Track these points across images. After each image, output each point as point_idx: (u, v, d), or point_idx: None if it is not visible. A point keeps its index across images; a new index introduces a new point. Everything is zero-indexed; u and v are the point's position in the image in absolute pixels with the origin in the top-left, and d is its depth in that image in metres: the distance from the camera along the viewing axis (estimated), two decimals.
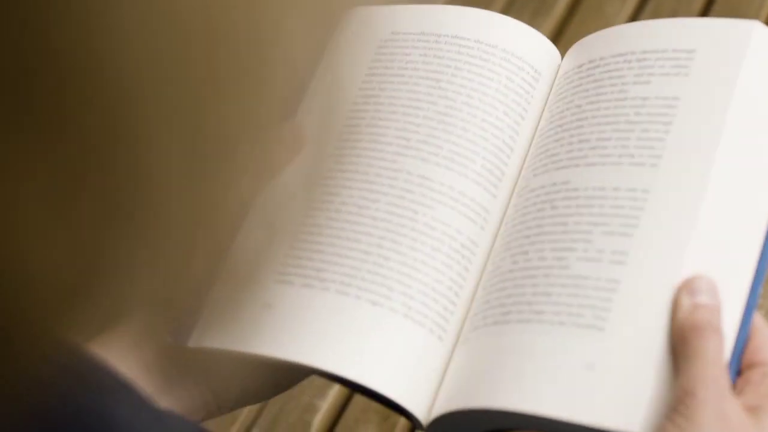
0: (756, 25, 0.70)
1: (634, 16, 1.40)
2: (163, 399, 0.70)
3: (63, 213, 0.29)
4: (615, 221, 0.66)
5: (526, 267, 0.66)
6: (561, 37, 1.35)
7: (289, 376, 0.73)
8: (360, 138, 0.72)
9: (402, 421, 1.07)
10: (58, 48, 0.27)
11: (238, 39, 0.31)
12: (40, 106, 0.28)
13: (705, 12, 1.40)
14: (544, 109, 0.74)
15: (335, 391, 1.10)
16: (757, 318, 0.65)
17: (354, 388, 0.70)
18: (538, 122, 0.73)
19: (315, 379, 0.74)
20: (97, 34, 0.27)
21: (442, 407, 0.65)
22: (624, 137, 0.68)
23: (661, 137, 0.68)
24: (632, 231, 0.65)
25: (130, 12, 0.28)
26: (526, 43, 0.75)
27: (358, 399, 1.10)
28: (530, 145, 0.73)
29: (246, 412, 1.09)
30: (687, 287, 0.63)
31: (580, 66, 0.74)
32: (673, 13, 1.39)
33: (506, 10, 1.37)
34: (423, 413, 0.66)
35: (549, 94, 0.75)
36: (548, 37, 0.78)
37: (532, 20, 1.33)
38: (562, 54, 0.77)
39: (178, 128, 0.30)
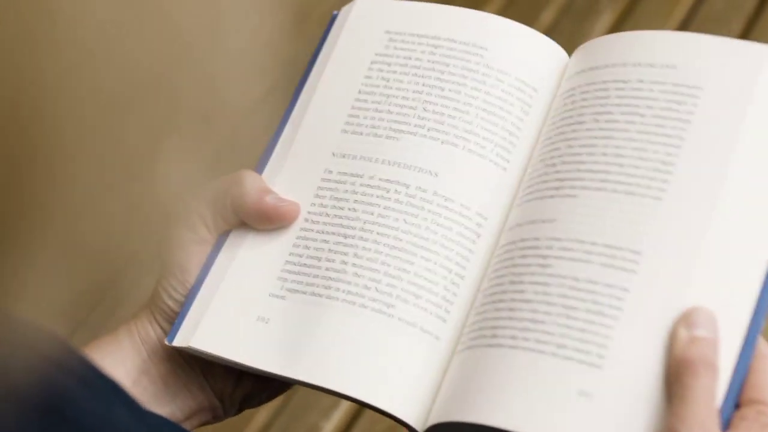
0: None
1: None
2: (167, 405, 0.71)
3: None
4: (617, 253, 0.65)
5: (521, 291, 0.66)
6: None
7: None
8: (361, 144, 0.72)
9: None
10: None
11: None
12: None
13: None
14: (544, 122, 0.72)
15: (340, 412, 1.12)
16: (765, 347, 0.63)
17: (344, 398, 0.70)
18: (539, 134, 0.72)
19: (320, 400, 0.74)
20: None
21: (438, 416, 0.66)
22: (626, 165, 0.67)
23: (667, 168, 0.66)
24: (633, 266, 0.64)
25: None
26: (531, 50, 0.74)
27: (363, 420, 1.11)
28: (530, 159, 0.72)
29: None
30: (685, 320, 0.62)
31: (584, 71, 0.72)
32: None
33: None
34: (420, 423, 0.66)
35: (552, 103, 0.73)
36: None
37: None
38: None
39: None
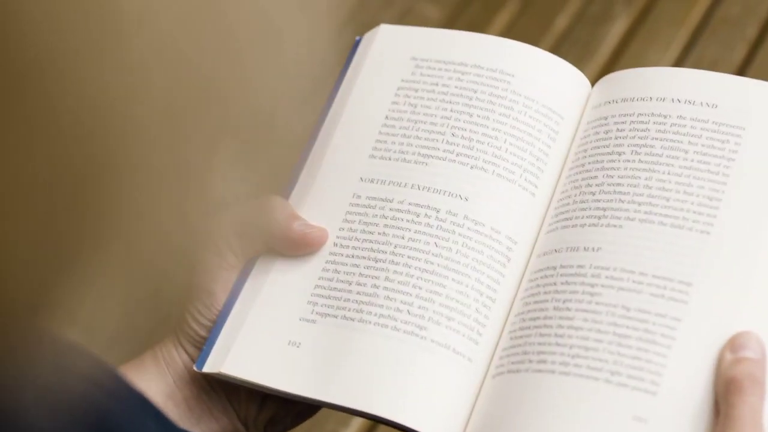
0: None
1: (677, 65, 1.41)
2: (191, 429, 0.71)
3: (36, 197, 0.31)
4: (667, 284, 0.66)
5: (570, 318, 0.66)
6: None
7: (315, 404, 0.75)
8: (391, 171, 0.73)
9: None
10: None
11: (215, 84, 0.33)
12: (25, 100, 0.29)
13: (747, 62, 1.42)
14: (570, 147, 0.74)
15: (358, 420, 1.12)
16: None
17: (378, 420, 0.71)
18: (565, 161, 0.73)
19: None
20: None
21: None
22: (671, 199, 0.68)
23: (713, 203, 0.68)
24: (685, 297, 0.65)
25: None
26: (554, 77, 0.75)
27: (381, 428, 1.11)
28: (558, 181, 0.72)
29: None
30: (731, 343, 0.64)
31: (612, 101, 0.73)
32: (714, 63, 1.41)
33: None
34: None
35: (577, 130, 0.74)
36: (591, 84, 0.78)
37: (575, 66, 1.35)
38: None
39: (157, 122, 0.32)
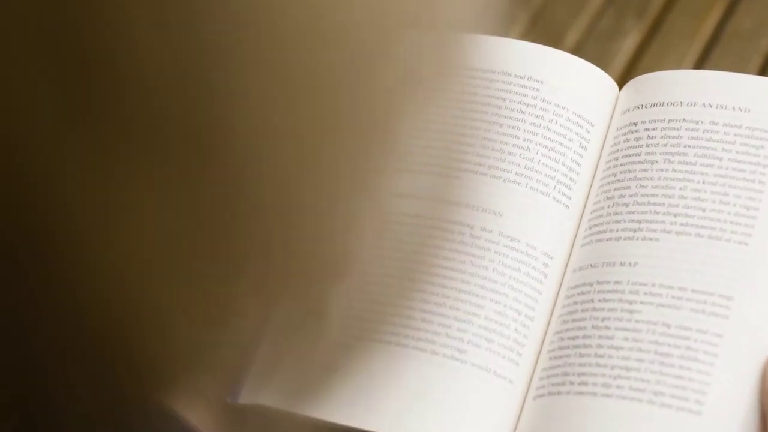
0: None
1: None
2: None
3: (188, 271, 0.29)
4: (707, 299, 0.65)
5: (610, 337, 0.65)
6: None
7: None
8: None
9: None
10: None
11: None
12: (185, 163, 0.28)
13: (762, 74, 1.40)
14: (601, 154, 0.72)
15: None
16: None
17: None
18: (596, 169, 0.72)
19: None
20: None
21: None
22: (707, 210, 0.67)
23: (750, 213, 0.66)
24: (726, 311, 0.64)
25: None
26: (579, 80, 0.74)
27: None
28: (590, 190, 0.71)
29: None
30: None
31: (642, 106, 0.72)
32: (732, 70, 1.40)
33: None
34: None
35: (606, 134, 0.72)
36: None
37: None
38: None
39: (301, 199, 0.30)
